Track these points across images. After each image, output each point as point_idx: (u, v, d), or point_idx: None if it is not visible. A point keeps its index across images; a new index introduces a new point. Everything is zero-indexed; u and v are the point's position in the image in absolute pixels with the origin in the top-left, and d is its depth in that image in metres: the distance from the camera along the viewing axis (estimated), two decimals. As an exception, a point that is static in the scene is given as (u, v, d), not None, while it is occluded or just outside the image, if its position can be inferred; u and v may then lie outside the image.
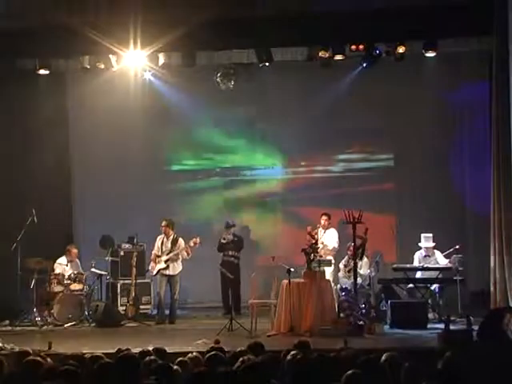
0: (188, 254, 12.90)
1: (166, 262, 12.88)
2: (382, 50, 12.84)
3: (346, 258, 12.91)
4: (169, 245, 12.98)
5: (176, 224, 13.24)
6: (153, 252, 13.07)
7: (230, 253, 13.81)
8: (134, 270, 13.07)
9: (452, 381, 5.10)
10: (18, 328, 12.32)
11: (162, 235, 13.08)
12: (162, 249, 12.99)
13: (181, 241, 12.95)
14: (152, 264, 13.04)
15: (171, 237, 13.01)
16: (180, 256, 12.91)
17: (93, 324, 12.53)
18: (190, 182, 15.28)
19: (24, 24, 12.04)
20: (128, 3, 11.88)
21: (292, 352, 6.08)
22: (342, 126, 14.57)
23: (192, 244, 12.77)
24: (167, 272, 12.90)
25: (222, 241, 13.91)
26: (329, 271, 12.48)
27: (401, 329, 11.05)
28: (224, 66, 13.79)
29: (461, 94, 14.28)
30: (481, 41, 12.34)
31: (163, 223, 13.06)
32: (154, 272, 13.03)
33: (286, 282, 11.25)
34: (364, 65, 13.22)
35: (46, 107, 14.23)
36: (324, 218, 13.05)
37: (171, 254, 12.86)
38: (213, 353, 6.25)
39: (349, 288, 12.10)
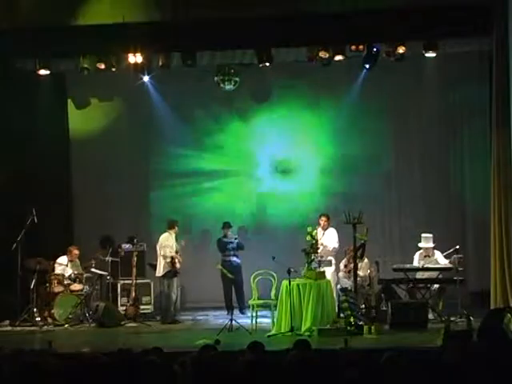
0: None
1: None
2: (381, 49, 12.83)
3: (347, 258, 12.89)
4: (176, 244, 13.15)
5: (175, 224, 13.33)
6: (168, 253, 12.99)
7: (232, 252, 13.75)
8: (135, 270, 13.10)
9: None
10: (18, 328, 12.32)
11: (173, 235, 13.14)
12: (175, 248, 13.12)
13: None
14: (176, 265, 13.07)
15: (175, 236, 13.20)
16: None
17: (93, 324, 12.53)
18: (191, 182, 15.24)
19: (24, 24, 12.04)
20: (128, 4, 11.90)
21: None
22: (342, 125, 14.56)
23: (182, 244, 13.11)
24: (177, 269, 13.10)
25: (224, 239, 13.81)
26: (329, 271, 12.47)
27: (401, 329, 11.04)
28: (224, 66, 13.79)
29: (461, 94, 14.29)
30: (481, 41, 12.33)
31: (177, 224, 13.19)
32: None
33: (285, 282, 11.25)
34: (367, 66, 13.16)
35: (46, 107, 14.24)
36: (323, 218, 13.05)
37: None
38: (211, 353, 6.25)
39: (349, 288, 12.09)
